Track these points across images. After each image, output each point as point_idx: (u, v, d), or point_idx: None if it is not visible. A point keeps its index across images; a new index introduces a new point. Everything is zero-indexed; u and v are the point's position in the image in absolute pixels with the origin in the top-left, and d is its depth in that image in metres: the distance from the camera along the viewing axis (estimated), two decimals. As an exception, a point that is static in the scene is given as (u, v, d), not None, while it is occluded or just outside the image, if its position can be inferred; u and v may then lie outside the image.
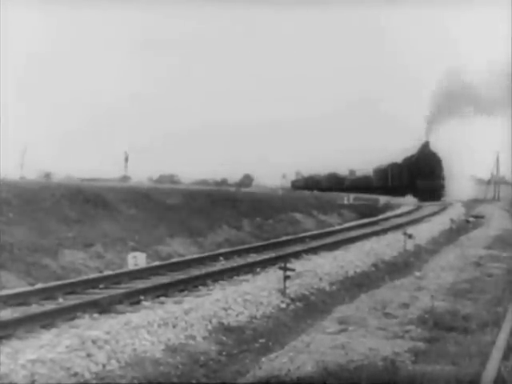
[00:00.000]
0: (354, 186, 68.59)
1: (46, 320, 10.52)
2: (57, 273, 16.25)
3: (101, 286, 13.98)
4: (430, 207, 44.98)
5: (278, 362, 8.82)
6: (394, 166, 67.79)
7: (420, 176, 63.00)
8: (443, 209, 43.81)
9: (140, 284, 14.16)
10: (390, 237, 23.84)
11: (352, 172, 76.14)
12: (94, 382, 8.12)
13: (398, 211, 42.35)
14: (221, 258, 18.52)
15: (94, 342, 9.03)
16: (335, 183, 72.70)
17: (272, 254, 19.04)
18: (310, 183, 73.96)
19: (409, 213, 40.23)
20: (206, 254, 19.59)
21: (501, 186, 65.26)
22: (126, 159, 55.28)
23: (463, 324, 10.78)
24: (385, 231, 26.47)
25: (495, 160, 66.30)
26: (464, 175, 62.14)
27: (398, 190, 60.73)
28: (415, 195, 58.54)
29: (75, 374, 8.13)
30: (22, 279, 15.11)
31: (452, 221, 31.75)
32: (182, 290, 13.56)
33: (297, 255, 18.68)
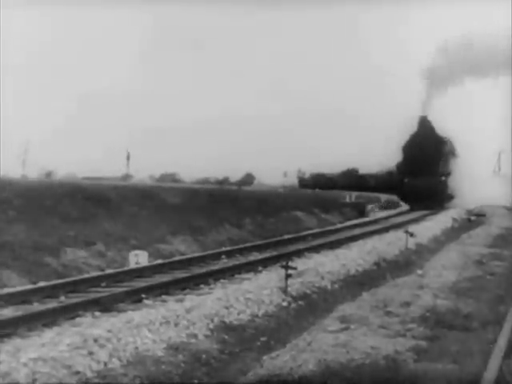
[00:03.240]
0: (379, 184, 52.00)
1: (48, 318, 10.52)
2: (58, 271, 16.23)
3: (102, 284, 13.98)
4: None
5: (279, 360, 8.82)
6: None
7: (412, 170, 43.84)
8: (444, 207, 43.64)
9: (142, 282, 14.16)
10: (392, 235, 23.83)
11: (354, 170, 73.45)
12: (96, 380, 8.12)
13: (399, 209, 42.14)
14: (223, 257, 18.51)
15: (95, 340, 9.03)
16: (354, 181, 56.87)
17: (274, 253, 19.03)
18: (320, 181, 68.20)
19: (409, 211, 40.10)
20: (208, 253, 19.58)
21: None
22: (128, 157, 55.25)
23: (465, 322, 10.78)
24: (386, 229, 26.45)
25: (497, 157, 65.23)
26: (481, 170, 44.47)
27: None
28: (404, 198, 42.52)
29: (77, 373, 8.13)
30: (24, 277, 15.11)
31: (453, 219, 31.77)
32: (184, 289, 13.57)
33: (298, 253, 18.67)
